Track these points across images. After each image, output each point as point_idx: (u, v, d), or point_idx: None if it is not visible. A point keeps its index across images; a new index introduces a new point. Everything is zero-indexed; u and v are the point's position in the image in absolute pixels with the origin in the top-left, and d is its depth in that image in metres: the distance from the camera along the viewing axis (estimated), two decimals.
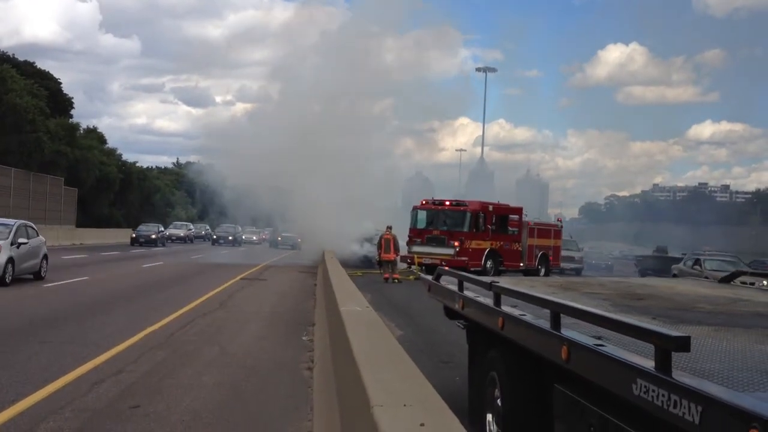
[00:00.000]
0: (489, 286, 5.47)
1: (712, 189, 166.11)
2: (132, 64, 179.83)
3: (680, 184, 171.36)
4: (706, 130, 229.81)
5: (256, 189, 40.70)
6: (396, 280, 25.43)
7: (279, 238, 59.97)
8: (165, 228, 55.62)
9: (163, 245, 47.87)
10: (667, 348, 3.06)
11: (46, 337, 10.17)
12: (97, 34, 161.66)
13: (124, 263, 28.87)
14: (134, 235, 47.23)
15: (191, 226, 63.27)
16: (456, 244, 27.24)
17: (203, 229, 67.14)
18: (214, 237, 57.12)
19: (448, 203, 29.17)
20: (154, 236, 47.65)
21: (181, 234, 57.74)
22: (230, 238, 55.48)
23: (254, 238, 65.89)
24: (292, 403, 7.26)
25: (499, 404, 5.39)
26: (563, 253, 33.89)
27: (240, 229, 58.86)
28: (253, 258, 35.46)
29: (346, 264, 24.19)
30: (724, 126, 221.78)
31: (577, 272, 35.23)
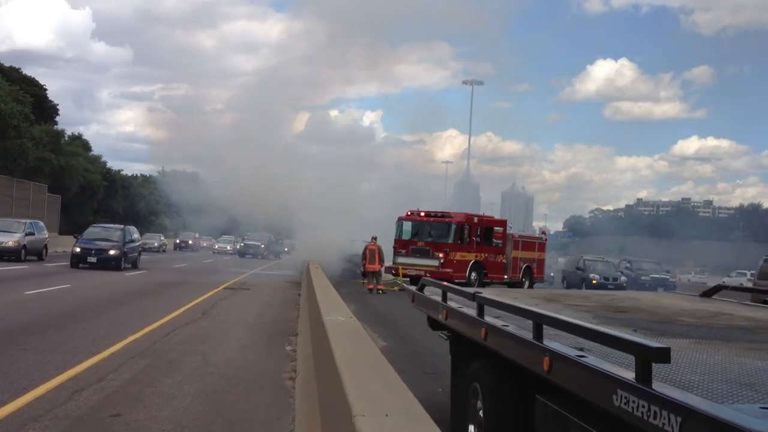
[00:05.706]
0: (472, 297, 5.48)
1: (695, 204, 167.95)
2: (123, 72, 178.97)
3: (664, 199, 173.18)
4: (692, 146, 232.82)
5: (240, 198, 40.61)
6: (380, 291, 25.40)
7: (240, 246, 57.73)
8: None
9: None
10: (647, 359, 3.07)
11: (26, 345, 10.06)
12: (89, 42, 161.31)
13: (107, 272, 28.58)
14: None
15: (45, 231, 34.15)
16: (441, 255, 27.26)
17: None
18: (77, 250, 28.78)
19: (433, 215, 29.20)
20: None
21: (9, 243, 29.51)
22: (111, 252, 28.83)
23: (228, 247, 63.33)
24: (274, 413, 7.22)
25: (482, 415, 5.39)
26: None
27: (134, 235, 33.22)
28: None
29: (331, 275, 24.15)
30: (710, 142, 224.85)
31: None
